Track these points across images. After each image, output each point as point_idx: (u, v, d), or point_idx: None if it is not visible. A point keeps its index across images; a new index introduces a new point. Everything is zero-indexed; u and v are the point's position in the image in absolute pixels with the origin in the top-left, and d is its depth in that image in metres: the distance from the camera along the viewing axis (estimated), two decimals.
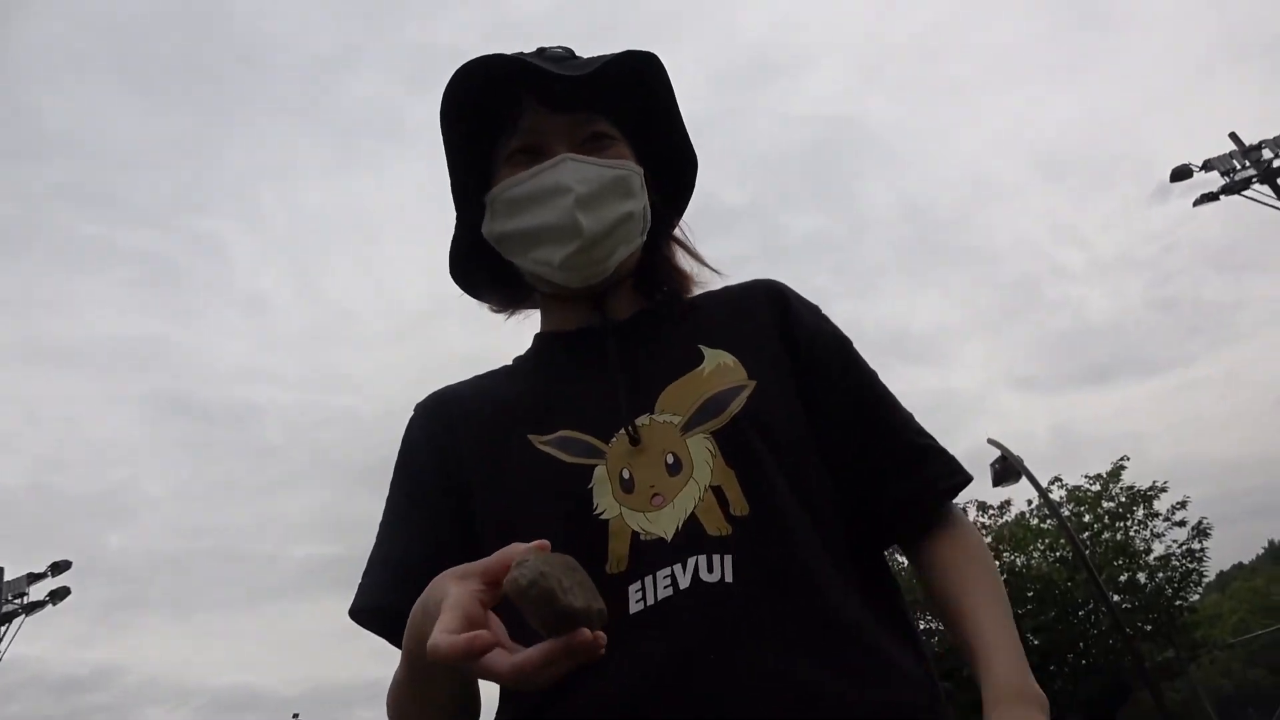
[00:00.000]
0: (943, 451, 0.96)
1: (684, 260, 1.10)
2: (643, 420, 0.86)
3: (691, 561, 0.77)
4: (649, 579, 0.77)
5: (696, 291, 1.07)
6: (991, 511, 20.14)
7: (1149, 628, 18.27)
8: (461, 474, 0.92)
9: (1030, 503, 19.96)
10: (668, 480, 0.82)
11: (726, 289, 1.06)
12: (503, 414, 0.94)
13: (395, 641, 0.84)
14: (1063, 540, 16.35)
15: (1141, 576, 18.73)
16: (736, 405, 0.87)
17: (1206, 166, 15.79)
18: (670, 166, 1.07)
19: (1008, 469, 13.20)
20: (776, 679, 0.72)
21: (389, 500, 0.97)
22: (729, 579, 0.76)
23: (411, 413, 1.01)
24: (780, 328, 0.98)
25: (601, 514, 0.81)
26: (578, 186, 0.91)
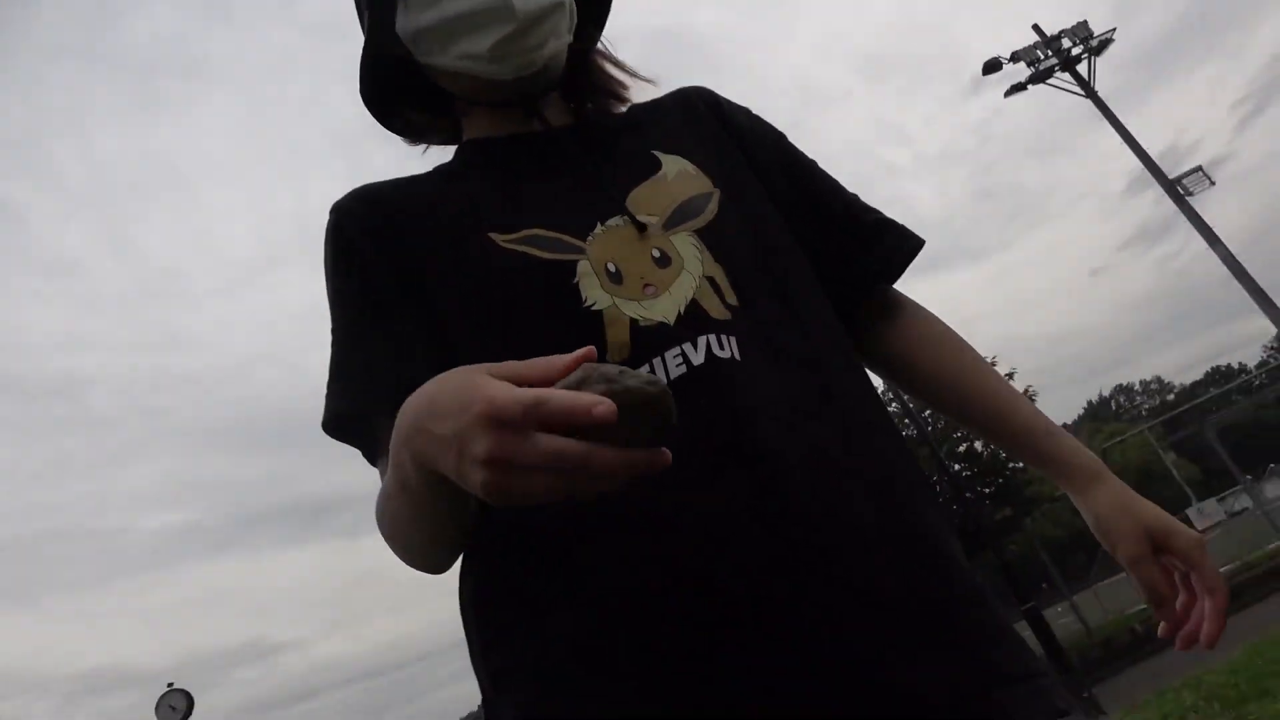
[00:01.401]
0: (894, 222, 1.00)
1: (612, 70, 1.03)
2: (615, 220, 0.83)
3: (702, 340, 0.76)
4: (656, 360, 0.75)
5: (630, 102, 1.03)
6: None
7: (989, 490, 19.95)
8: (416, 271, 0.83)
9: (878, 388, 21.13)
10: (658, 272, 0.80)
11: (656, 100, 1.03)
12: (451, 213, 0.86)
13: (373, 456, 0.83)
14: (906, 421, 17.45)
15: (978, 445, 20.33)
16: (710, 211, 0.86)
17: (1014, 58, 16.70)
18: None
19: None
20: (796, 430, 0.74)
21: (337, 303, 0.86)
22: (738, 357, 0.76)
23: (330, 216, 0.89)
24: (723, 129, 0.98)
25: (592, 305, 0.77)
26: None
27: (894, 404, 19.65)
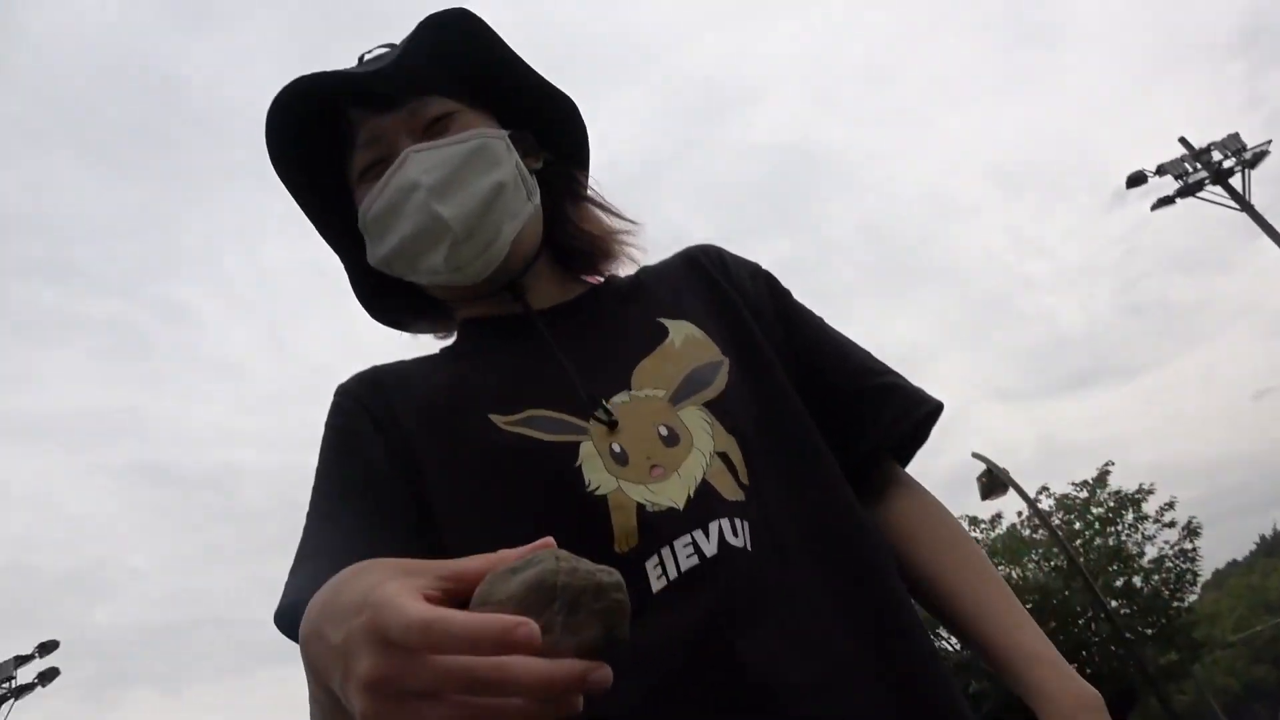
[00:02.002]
0: (908, 384, 0.94)
1: (598, 220, 1.00)
2: (621, 397, 0.80)
3: (714, 526, 0.71)
4: (666, 551, 0.70)
5: (630, 250, 1.01)
6: (983, 525, 20.14)
7: (1150, 631, 18.25)
8: (413, 455, 0.80)
9: (1020, 514, 19.97)
10: (665, 451, 0.76)
11: (664, 262, 1.01)
12: (451, 395, 0.84)
13: None
14: (1056, 550, 16.34)
15: (1137, 580, 18.72)
16: (721, 380, 0.83)
17: (1160, 171, 16.13)
18: (555, 121, 0.98)
19: (995, 482, 13.26)
20: (819, 645, 0.69)
21: (319, 487, 0.81)
22: (749, 546, 0.71)
23: (334, 397, 0.88)
24: (730, 290, 0.95)
25: (596, 489, 0.73)
26: (424, 178, 0.82)
27: (1041, 530, 18.49)
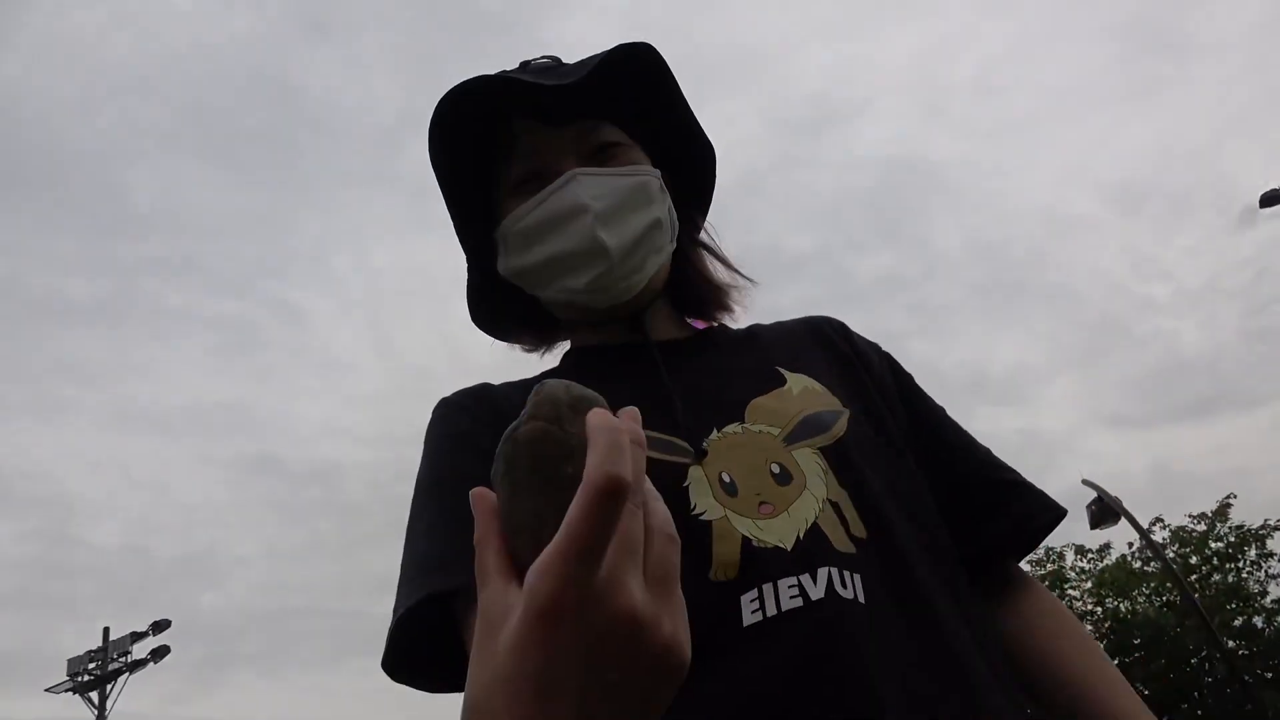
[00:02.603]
0: (1033, 486, 0.91)
1: (716, 269, 1.01)
2: (733, 428, 0.78)
3: (822, 573, 0.67)
4: (768, 587, 0.67)
5: (736, 303, 1.00)
6: (1090, 555, 19.33)
7: (1270, 675, 17.17)
8: None
9: (1131, 545, 19.09)
10: (776, 489, 0.73)
11: (781, 322, 1.00)
12: None
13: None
14: (1169, 584, 15.55)
15: (1258, 621, 17.66)
16: (839, 428, 0.80)
17: None
18: (687, 162, 0.99)
19: (1105, 510, 12.68)
20: (921, 706, 0.65)
21: (423, 498, 0.79)
22: (862, 599, 0.68)
23: (438, 409, 0.86)
24: (851, 360, 0.93)
25: (702, 514, 0.71)
26: (594, 203, 0.82)
27: (1153, 563, 17.60)
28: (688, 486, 0.72)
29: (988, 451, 0.93)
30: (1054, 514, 0.89)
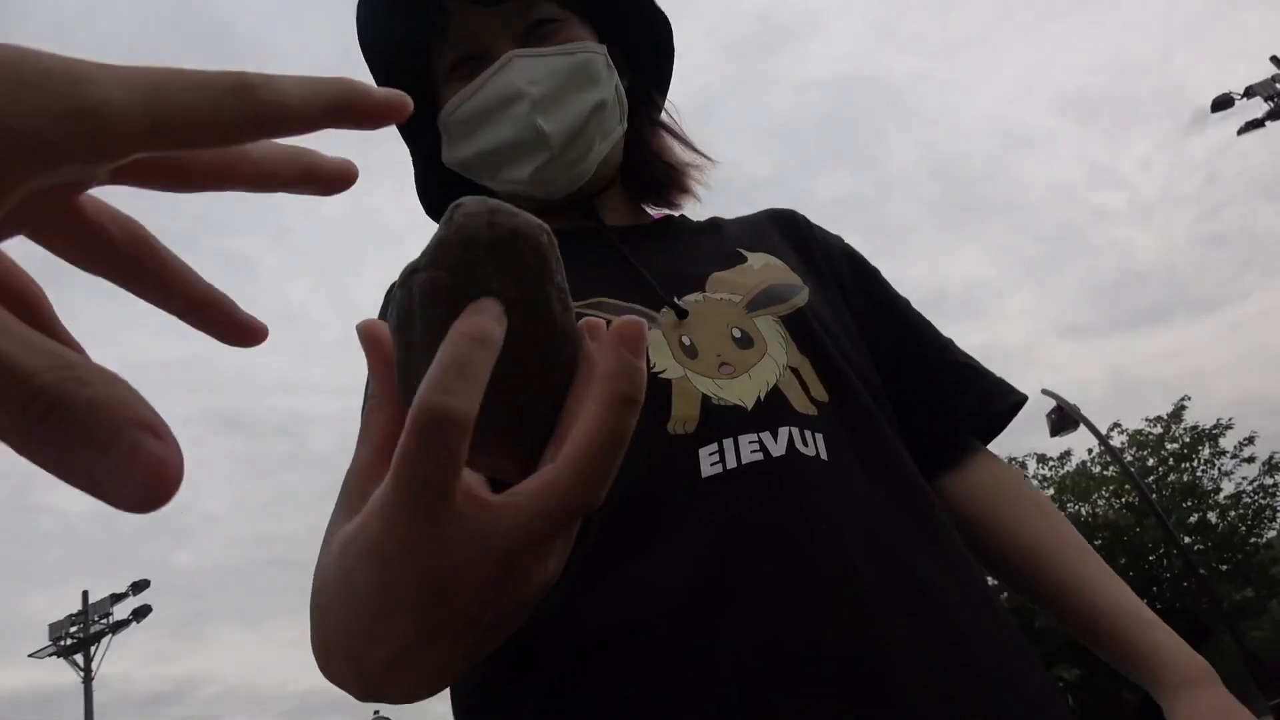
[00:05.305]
0: (991, 374, 0.91)
1: (674, 149, 0.97)
2: (695, 296, 0.77)
3: (783, 432, 0.66)
4: (728, 442, 0.65)
5: (697, 181, 0.97)
6: (1051, 462, 19.86)
7: (1225, 568, 17.91)
8: None
9: (1091, 451, 19.64)
10: (737, 352, 0.72)
11: (743, 216, 0.97)
12: None
13: None
14: (1128, 486, 16.05)
15: (1213, 516, 18.33)
16: (800, 299, 0.79)
17: (1249, 93, 15.29)
18: (641, 35, 0.93)
19: (1065, 418, 13.00)
20: (891, 555, 0.63)
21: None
22: (824, 457, 0.67)
23: (390, 291, 0.82)
24: (812, 248, 0.91)
25: (662, 372, 0.69)
26: (530, 88, 0.78)
27: (1112, 467, 18.14)
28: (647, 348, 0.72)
29: (949, 341, 0.93)
30: (1015, 398, 0.89)
